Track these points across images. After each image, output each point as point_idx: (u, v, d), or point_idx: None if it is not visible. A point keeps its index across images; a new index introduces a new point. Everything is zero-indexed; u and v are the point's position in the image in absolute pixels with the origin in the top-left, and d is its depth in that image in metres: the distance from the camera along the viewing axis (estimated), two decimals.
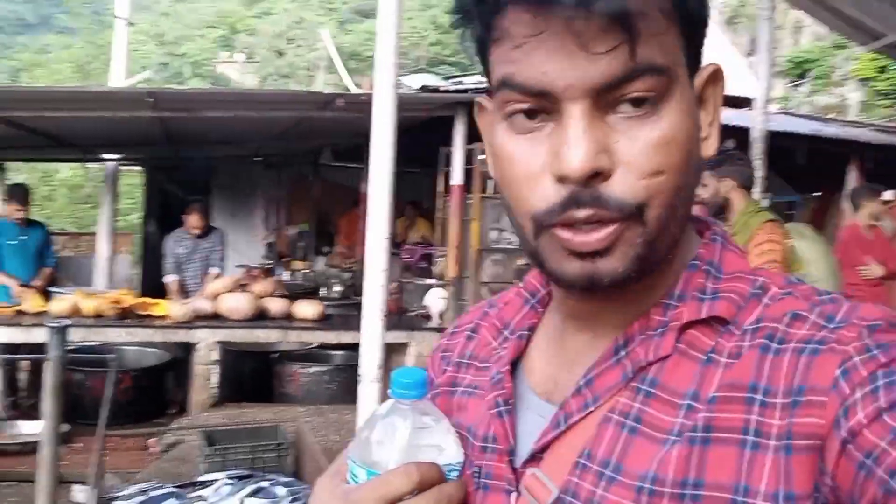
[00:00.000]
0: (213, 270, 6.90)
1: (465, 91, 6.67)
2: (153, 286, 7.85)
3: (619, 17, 0.54)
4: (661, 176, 0.59)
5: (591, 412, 0.63)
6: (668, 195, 0.60)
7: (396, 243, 9.82)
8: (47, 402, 3.68)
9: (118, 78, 11.47)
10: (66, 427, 5.81)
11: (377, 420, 0.66)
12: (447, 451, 0.67)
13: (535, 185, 0.61)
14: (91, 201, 14.52)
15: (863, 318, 0.57)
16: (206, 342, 6.06)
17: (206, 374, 6.09)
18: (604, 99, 0.57)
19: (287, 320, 6.29)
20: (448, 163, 6.95)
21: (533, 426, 0.68)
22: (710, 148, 0.66)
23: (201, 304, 6.17)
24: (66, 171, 16.02)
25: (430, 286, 7.55)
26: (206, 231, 6.98)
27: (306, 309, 6.36)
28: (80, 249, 12.36)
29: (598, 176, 0.58)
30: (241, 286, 6.58)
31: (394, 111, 3.70)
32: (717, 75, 0.67)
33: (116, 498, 4.07)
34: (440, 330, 6.43)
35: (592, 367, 0.65)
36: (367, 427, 0.66)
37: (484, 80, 0.66)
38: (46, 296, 6.37)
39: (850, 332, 0.56)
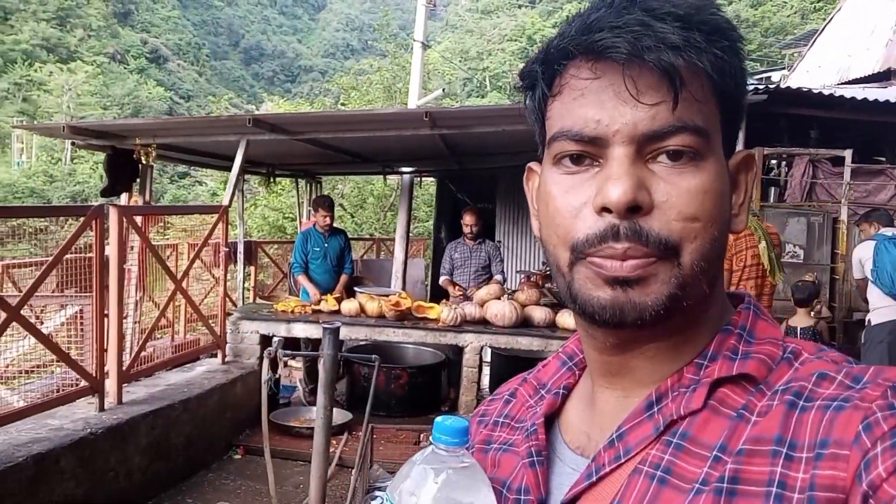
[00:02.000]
0: (497, 278, 7.25)
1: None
2: (440, 287, 8.38)
3: (667, 71, 0.61)
4: (696, 222, 0.63)
5: (622, 464, 0.65)
6: (702, 243, 0.63)
7: None
8: (320, 394, 4.10)
9: (414, 97, 12.47)
10: (348, 416, 6.46)
11: (414, 465, 0.66)
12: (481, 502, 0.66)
13: (576, 217, 0.65)
14: (394, 209, 15.93)
15: (888, 378, 0.59)
16: (472, 345, 6.34)
17: (472, 376, 6.37)
18: (647, 148, 0.63)
19: (550, 329, 6.35)
20: None
21: (566, 479, 0.71)
22: (739, 224, 0.71)
23: (469, 309, 6.47)
24: (377, 181, 17.75)
25: None
26: (479, 237, 7.33)
27: (569, 319, 6.36)
28: (381, 253, 13.57)
29: (637, 211, 0.62)
30: (507, 294, 6.78)
31: None
32: (749, 161, 0.72)
33: (378, 487, 4.43)
34: None
35: (625, 422, 0.67)
36: (404, 471, 0.66)
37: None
38: (346, 295, 7.13)
39: (874, 391, 0.58)
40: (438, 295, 8.18)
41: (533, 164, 0.78)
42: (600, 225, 0.63)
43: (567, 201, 0.66)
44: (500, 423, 0.83)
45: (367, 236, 15.47)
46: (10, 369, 5.68)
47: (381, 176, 12.45)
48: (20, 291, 4.53)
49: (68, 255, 4.90)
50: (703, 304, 0.68)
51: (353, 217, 17.90)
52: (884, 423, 0.54)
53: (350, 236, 8.48)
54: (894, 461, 0.52)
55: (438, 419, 0.67)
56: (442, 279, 7.45)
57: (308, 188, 11.77)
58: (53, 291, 5.58)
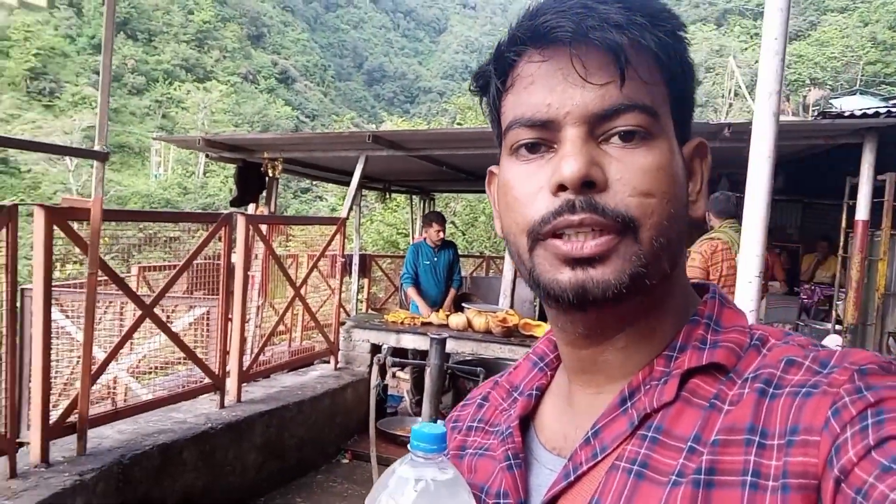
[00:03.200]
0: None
1: (876, 115, 5.89)
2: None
3: (612, 50, 0.62)
4: (651, 198, 0.63)
5: (600, 462, 0.65)
6: (659, 219, 0.64)
7: (799, 281, 9.01)
8: (426, 403, 4.19)
9: None
10: None
11: (393, 473, 0.65)
12: None
13: (533, 201, 0.65)
14: None
15: (854, 362, 0.59)
16: None
17: None
18: (598, 129, 0.64)
19: None
20: (854, 195, 6.20)
21: (544, 479, 0.70)
22: (697, 210, 0.71)
23: None
24: (486, 199, 17.89)
25: (826, 332, 6.82)
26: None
27: None
28: (490, 271, 13.64)
29: (592, 187, 0.63)
30: None
31: (773, 142, 3.48)
32: (703, 149, 0.73)
33: None
34: None
35: (600, 419, 0.67)
36: (383, 480, 0.65)
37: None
38: (454, 309, 7.25)
39: (841, 375, 0.58)
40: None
41: (493, 167, 0.78)
42: (556, 202, 0.63)
43: (524, 188, 0.66)
44: (474, 427, 0.83)
45: (478, 254, 15.58)
46: (140, 365, 6.10)
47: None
48: (153, 293, 4.89)
49: (198, 261, 5.25)
50: (666, 288, 0.68)
51: (464, 235, 18.10)
52: (852, 407, 0.54)
53: (460, 253, 8.61)
54: (864, 445, 0.52)
55: (416, 426, 0.66)
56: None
57: (421, 205, 12.03)
58: (183, 293, 5.98)
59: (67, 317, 5.17)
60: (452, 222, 17.93)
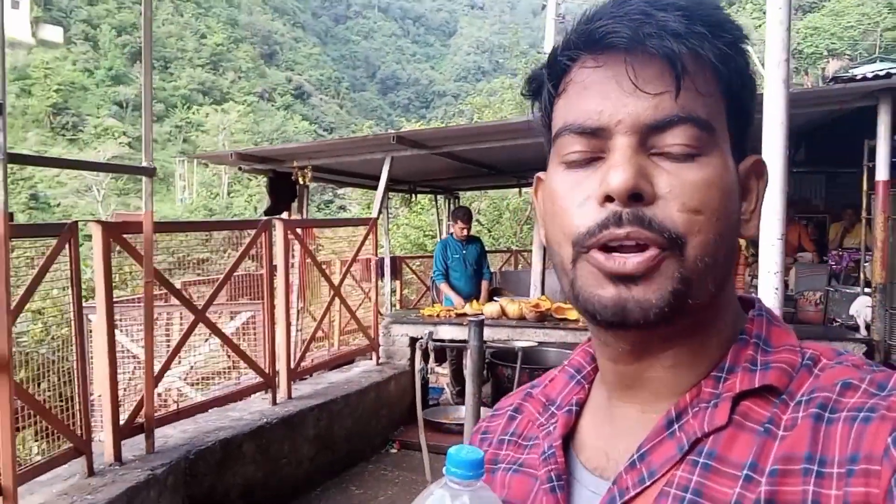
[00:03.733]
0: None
1: (888, 76, 5.99)
2: None
3: (669, 59, 0.61)
4: (699, 215, 0.61)
5: (648, 487, 0.62)
6: (706, 237, 0.62)
7: (827, 251, 9.08)
8: (468, 383, 4.40)
9: None
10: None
11: (430, 496, 0.61)
12: None
13: (580, 210, 0.64)
14: (530, 222, 16.17)
15: None
16: None
17: None
18: (650, 139, 0.63)
19: None
20: (872, 157, 6.31)
21: (585, 502, 0.68)
22: (750, 229, 0.70)
23: None
24: (510, 195, 18.09)
25: (856, 294, 6.91)
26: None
27: None
28: (519, 265, 13.81)
29: (640, 200, 0.61)
30: None
31: (784, 109, 3.66)
32: (759, 167, 0.71)
33: None
34: (868, 342, 5.89)
35: (645, 441, 0.65)
36: (419, 502, 0.61)
37: None
38: (485, 301, 7.46)
39: None
40: None
41: (541, 174, 0.76)
42: (603, 214, 0.62)
43: (571, 197, 0.65)
44: (506, 441, 0.80)
45: (505, 249, 15.77)
46: (191, 374, 6.38)
47: (517, 189, 12.74)
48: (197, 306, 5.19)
49: (237, 272, 5.51)
50: (712, 308, 0.66)
51: (489, 232, 18.30)
52: None
53: (487, 249, 8.81)
54: None
55: (452, 450, 0.62)
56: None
57: (446, 205, 12.25)
58: (227, 301, 6.26)
59: (120, 330, 5.46)
60: (477, 220, 18.15)
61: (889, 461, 0.52)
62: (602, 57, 0.63)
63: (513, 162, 9.22)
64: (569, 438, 0.73)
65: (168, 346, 5.11)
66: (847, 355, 0.65)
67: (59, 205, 44.92)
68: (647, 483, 0.62)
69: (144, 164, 4.18)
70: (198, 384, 6.39)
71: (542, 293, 10.56)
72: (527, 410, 0.80)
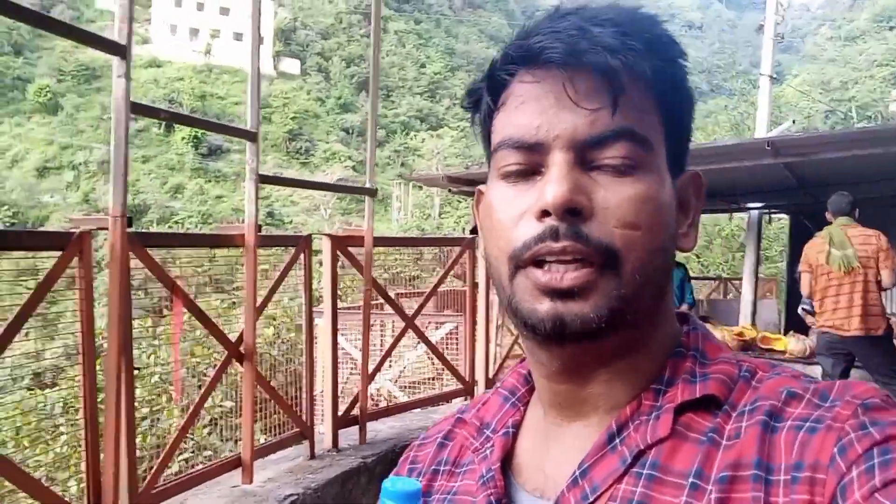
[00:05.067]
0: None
1: None
2: (796, 330, 8.07)
3: (605, 74, 0.61)
4: (636, 230, 0.62)
5: (592, 503, 0.62)
6: (642, 252, 0.62)
7: None
8: None
9: (761, 131, 12.16)
10: None
11: None
12: None
13: (517, 225, 0.64)
14: (742, 249, 15.48)
15: (856, 395, 0.58)
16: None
17: None
18: (587, 155, 0.63)
19: None
20: None
21: None
22: (688, 243, 0.71)
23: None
24: (722, 221, 17.41)
25: None
26: None
27: None
28: (728, 294, 13.28)
29: (577, 215, 0.61)
30: None
31: None
32: (697, 181, 0.72)
33: None
34: None
35: (587, 457, 0.64)
36: None
37: None
38: None
39: (845, 409, 0.57)
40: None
41: (481, 186, 0.76)
42: (539, 228, 0.62)
43: (508, 211, 0.65)
44: (439, 470, 0.77)
45: (714, 276, 15.21)
46: (400, 378, 6.94)
47: (728, 215, 12.29)
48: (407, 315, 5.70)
49: (442, 288, 5.96)
50: (650, 323, 0.67)
51: (698, 258, 17.72)
52: (858, 445, 0.54)
53: (694, 275, 8.64)
54: (870, 487, 0.51)
55: (387, 482, 0.61)
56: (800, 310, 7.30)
57: None
58: (433, 312, 6.74)
59: (341, 334, 6.10)
60: None
61: (835, 470, 0.53)
62: (540, 72, 0.64)
63: (723, 185, 8.98)
64: (506, 462, 0.71)
65: (381, 349, 5.65)
66: (783, 367, 0.66)
67: (291, 222, 49.45)
68: (591, 499, 0.62)
69: (367, 185, 4.72)
70: (405, 388, 6.93)
71: (752, 323, 10.14)
72: (458, 436, 0.79)
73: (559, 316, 0.61)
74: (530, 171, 0.65)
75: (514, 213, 0.65)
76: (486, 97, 0.69)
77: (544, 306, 0.62)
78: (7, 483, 2.96)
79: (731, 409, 0.62)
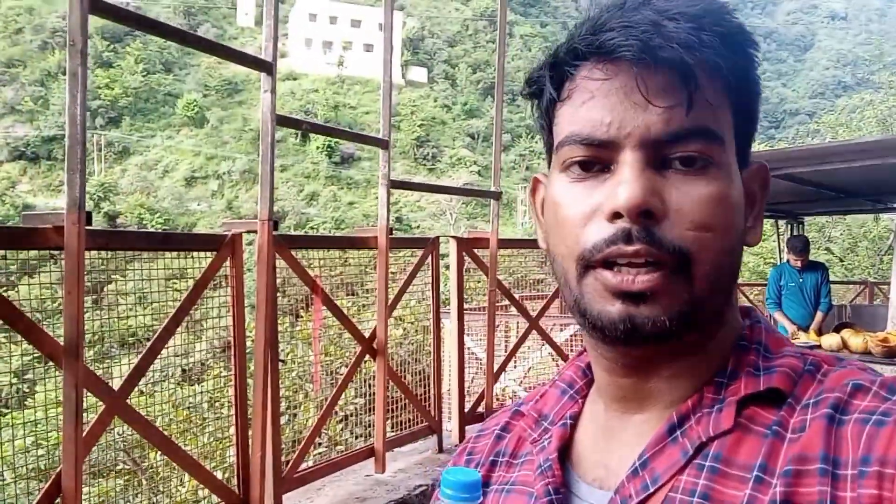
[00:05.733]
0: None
1: None
2: None
3: (680, 71, 0.60)
4: (709, 232, 0.61)
5: (652, 494, 0.61)
6: (715, 255, 0.62)
7: None
8: None
9: None
10: None
11: None
12: None
13: (586, 225, 0.63)
14: (891, 252, 14.50)
15: None
16: None
17: None
18: (659, 153, 0.62)
19: None
20: None
21: None
22: (754, 237, 0.70)
23: None
24: (868, 223, 16.39)
25: None
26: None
27: None
28: (875, 299, 12.49)
29: (650, 217, 0.60)
30: None
31: None
32: (763, 173, 0.71)
33: None
34: None
35: (647, 448, 0.63)
36: None
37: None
38: (822, 333, 7.02)
39: None
40: None
41: (539, 175, 0.75)
42: (611, 230, 0.61)
43: (576, 209, 0.64)
44: (497, 462, 0.78)
45: (859, 280, 14.33)
46: (526, 378, 7.02)
47: (873, 216, 11.59)
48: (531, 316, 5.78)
49: None
50: (718, 320, 0.66)
51: (842, 262, 16.74)
52: None
53: (836, 279, 8.21)
54: None
55: (446, 472, 0.60)
56: None
57: (789, 230, 11.58)
58: (560, 314, 6.79)
59: (467, 334, 6.27)
60: (828, 248, 16.73)
61: None
62: (611, 68, 0.62)
63: (867, 185, 8.50)
64: (564, 453, 0.71)
65: (506, 349, 5.76)
66: (849, 361, 0.65)
67: (418, 226, 50.50)
68: (651, 490, 0.61)
69: (493, 189, 4.86)
70: (530, 390, 7.01)
71: None
72: (516, 428, 0.79)
73: (631, 319, 0.61)
74: (599, 167, 0.63)
75: (583, 212, 0.63)
76: (549, 88, 0.68)
77: (615, 308, 0.61)
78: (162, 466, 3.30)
79: (795, 402, 0.61)
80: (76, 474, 2.40)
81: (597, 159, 0.63)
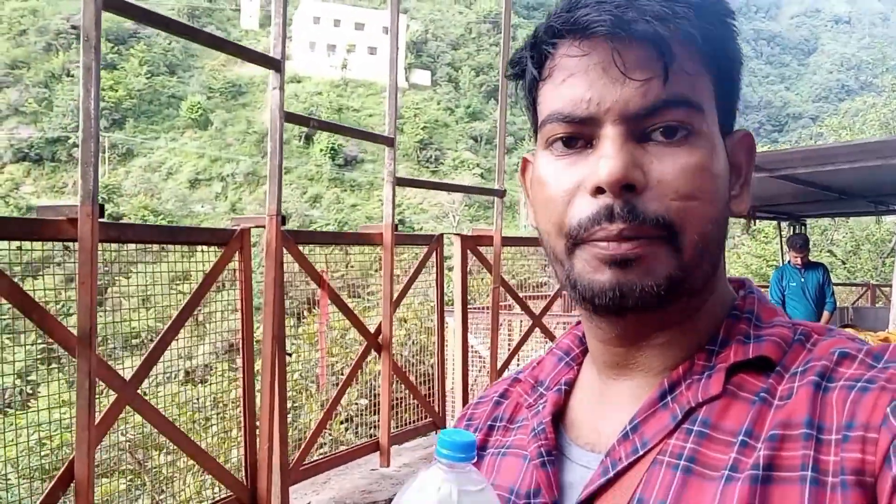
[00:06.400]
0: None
1: None
2: None
3: (655, 44, 0.60)
4: (693, 201, 0.62)
5: (641, 458, 0.63)
6: (700, 223, 0.62)
7: None
8: None
9: None
10: None
11: (417, 484, 0.61)
12: None
13: (571, 201, 0.64)
14: (893, 255, 14.56)
15: None
16: None
17: None
18: (639, 126, 0.62)
19: None
20: None
21: (577, 477, 0.68)
22: (740, 205, 0.69)
23: None
24: (871, 225, 16.44)
25: None
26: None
27: None
28: (878, 301, 12.52)
29: (632, 190, 0.61)
30: None
31: None
32: (747, 141, 0.71)
33: None
34: None
35: (638, 413, 0.65)
36: (405, 491, 0.61)
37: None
38: None
39: None
40: None
41: (528, 155, 0.76)
42: (594, 207, 0.62)
43: (560, 185, 0.65)
44: (494, 426, 0.80)
45: (861, 283, 14.36)
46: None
47: (876, 219, 11.60)
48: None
49: None
50: (706, 288, 0.67)
51: (844, 264, 16.77)
52: None
53: (838, 281, 8.24)
54: None
55: (443, 433, 0.61)
56: None
57: (791, 232, 11.62)
58: (563, 312, 6.83)
59: (470, 332, 6.31)
60: (830, 251, 16.76)
61: (888, 429, 0.53)
62: (586, 44, 0.63)
63: (869, 186, 8.54)
64: (559, 418, 0.73)
65: (508, 347, 5.79)
66: (839, 330, 0.66)
67: (421, 228, 50.49)
68: (640, 453, 0.62)
69: (497, 187, 4.91)
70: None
71: None
72: (514, 395, 0.81)
73: (619, 288, 0.62)
74: (582, 143, 0.64)
75: (567, 188, 0.64)
76: (530, 67, 0.68)
77: (605, 276, 0.62)
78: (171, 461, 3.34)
79: (783, 370, 0.62)
80: (89, 461, 2.45)
81: (579, 135, 0.64)
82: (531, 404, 0.75)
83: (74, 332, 2.48)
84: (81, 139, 2.44)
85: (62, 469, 2.53)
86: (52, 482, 2.50)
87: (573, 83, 0.63)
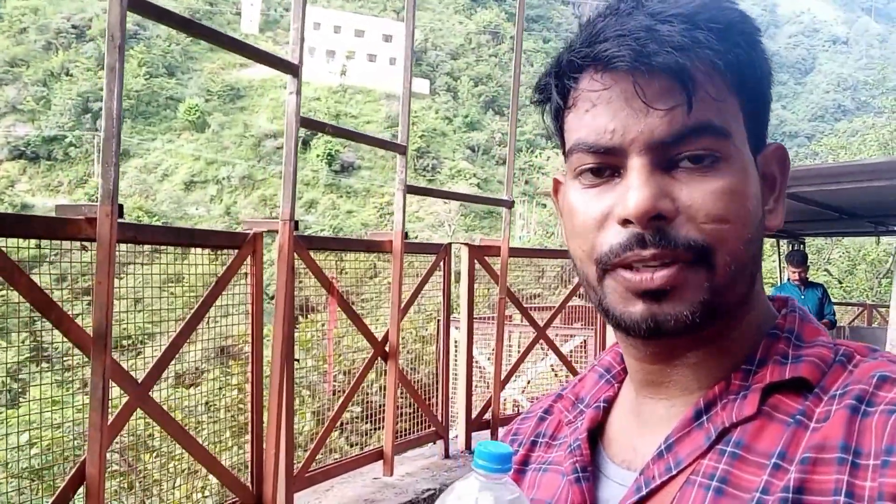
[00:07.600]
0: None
1: None
2: None
3: (677, 74, 0.60)
4: (725, 224, 0.61)
5: (674, 477, 0.63)
6: (734, 244, 0.62)
7: None
8: None
9: None
10: None
11: (455, 493, 0.62)
12: None
13: (600, 230, 0.64)
14: (889, 276, 14.61)
15: None
16: None
17: None
18: (666, 155, 0.62)
19: None
20: None
21: (612, 493, 0.68)
22: (774, 219, 0.70)
23: None
24: (868, 245, 16.52)
25: None
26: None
27: None
28: (874, 321, 12.56)
29: (661, 219, 0.61)
30: None
31: None
32: (780, 154, 0.70)
33: None
34: None
35: (673, 432, 0.65)
36: (444, 500, 0.62)
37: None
38: None
39: None
40: None
41: (558, 175, 0.77)
42: (624, 235, 0.62)
43: (590, 215, 0.65)
44: (538, 442, 0.80)
45: (857, 303, 14.40)
46: (529, 388, 7.05)
47: (874, 239, 11.66)
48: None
49: (570, 303, 6.05)
50: (742, 308, 0.67)
51: (840, 284, 16.82)
52: None
53: (835, 300, 8.27)
54: None
55: (480, 444, 0.62)
56: None
57: (788, 249, 11.66)
58: (563, 324, 6.83)
59: (474, 344, 6.31)
60: (827, 270, 16.81)
61: None
62: (609, 76, 0.63)
63: (868, 206, 8.57)
64: (598, 435, 0.74)
65: (510, 359, 5.79)
66: (882, 352, 0.64)
67: (416, 237, 50.52)
68: (674, 472, 0.62)
69: (505, 197, 4.91)
70: (532, 401, 7.04)
71: None
72: (556, 411, 0.81)
73: (653, 318, 0.62)
74: (610, 172, 0.65)
75: (596, 216, 0.65)
76: (555, 96, 0.69)
77: (637, 308, 0.62)
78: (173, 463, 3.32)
79: (822, 392, 0.61)
80: (100, 461, 2.43)
81: (606, 165, 0.64)
82: (571, 421, 0.76)
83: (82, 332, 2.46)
84: (103, 138, 2.43)
85: (73, 470, 2.50)
86: (64, 482, 2.48)
87: (597, 113, 0.64)
